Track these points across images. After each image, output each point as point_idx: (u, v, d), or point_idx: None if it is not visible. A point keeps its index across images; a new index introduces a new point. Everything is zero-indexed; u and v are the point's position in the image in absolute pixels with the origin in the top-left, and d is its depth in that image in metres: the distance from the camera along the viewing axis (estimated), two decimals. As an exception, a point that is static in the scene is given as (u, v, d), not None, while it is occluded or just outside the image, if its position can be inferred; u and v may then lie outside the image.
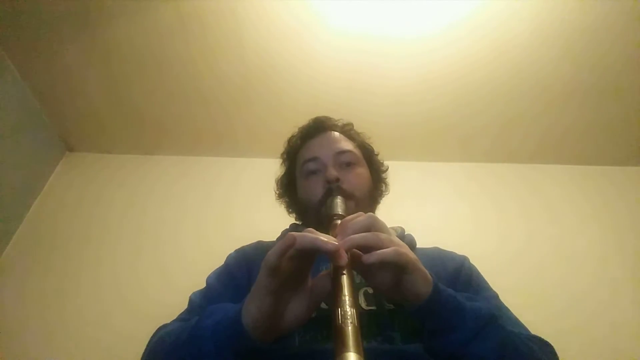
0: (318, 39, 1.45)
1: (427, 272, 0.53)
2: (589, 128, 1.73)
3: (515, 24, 1.41)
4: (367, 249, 0.50)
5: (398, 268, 0.50)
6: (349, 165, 0.84)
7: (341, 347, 0.37)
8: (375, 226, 0.53)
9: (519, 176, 1.82)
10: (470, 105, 1.66)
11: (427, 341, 0.55)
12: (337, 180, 0.77)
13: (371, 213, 0.56)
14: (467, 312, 0.53)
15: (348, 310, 0.41)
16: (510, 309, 0.74)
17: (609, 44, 1.46)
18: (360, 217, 0.54)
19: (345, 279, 0.45)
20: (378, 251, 0.49)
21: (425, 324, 0.53)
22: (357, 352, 0.37)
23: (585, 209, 1.71)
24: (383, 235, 0.51)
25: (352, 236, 0.50)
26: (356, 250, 0.50)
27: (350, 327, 0.39)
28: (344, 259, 0.47)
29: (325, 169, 0.81)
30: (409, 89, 1.60)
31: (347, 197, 0.75)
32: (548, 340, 0.65)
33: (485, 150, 1.83)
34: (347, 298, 0.43)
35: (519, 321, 0.70)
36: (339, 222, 0.62)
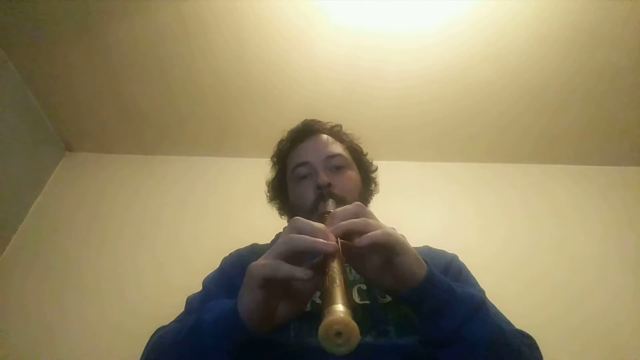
0: (318, 37, 1.45)
1: (418, 255, 0.53)
2: (589, 128, 1.72)
3: (515, 23, 1.41)
4: (356, 234, 0.51)
5: (388, 250, 0.51)
6: (339, 168, 0.84)
7: (329, 302, 0.40)
8: (362, 213, 0.54)
9: (519, 176, 1.81)
10: (470, 104, 1.65)
11: (419, 326, 0.56)
12: (329, 185, 0.78)
13: (358, 202, 0.57)
14: (459, 295, 0.54)
15: (336, 277, 0.43)
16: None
17: (609, 44, 1.45)
18: (348, 206, 0.55)
19: (334, 259, 0.47)
20: (368, 234, 0.50)
21: (419, 308, 0.54)
22: (344, 304, 0.39)
23: (585, 209, 1.71)
24: (371, 220, 0.52)
25: (342, 222, 0.51)
26: (345, 241, 0.51)
27: (337, 289, 0.41)
28: (337, 249, 0.48)
29: (316, 174, 0.81)
30: (409, 87, 1.59)
31: (339, 200, 0.76)
32: (544, 340, 0.65)
33: (485, 150, 1.82)
34: (335, 269, 0.45)
35: (504, 316, 0.71)
36: None
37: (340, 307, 0.38)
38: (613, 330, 1.36)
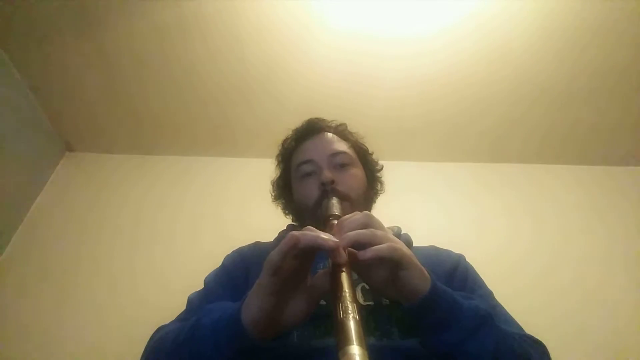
0: (317, 39, 1.45)
1: (423, 269, 0.53)
2: (592, 128, 1.72)
3: (515, 25, 1.41)
4: (363, 245, 0.50)
5: (393, 264, 0.50)
6: (343, 166, 0.84)
7: (344, 341, 0.37)
8: (370, 224, 0.53)
9: (521, 176, 1.81)
10: (471, 106, 1.65)
11: (422, 338, 0.55)
12: (332, 182, 0.77)
13: (367, 211, 0.56)
14: (464, 310, 0.53)
15: (349, 305, 0.42)
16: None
17: (610, 44, 1.45)
18: (356, 216, 0.55)
19: (344, 276, 0.46)
20: (373, 247, 0.49)
21: (422, 321, 0.53)
22: (360, 344, 0.37)
23: (588, 209, 1.71)
24: (378, 232, 0.52)
25: (348, 233, 0.50)
26: (352, 249, 0.50)
27: (352, 321, 0.39)
28: (343, 256, 0.48)
29: (320, 171, 0.81)
30: (408, 90, 1.60)
31: (343, 198, 0.75)
32: (546, 343, 0.65)
33: (486, 151, 1.83)
34: (347, 294, 0.43)
35: (513, 319, 0.71)
36: (335, 222, 0.62)
37: (356, 350, 0.36)
38: (617, 333, 1.35)
